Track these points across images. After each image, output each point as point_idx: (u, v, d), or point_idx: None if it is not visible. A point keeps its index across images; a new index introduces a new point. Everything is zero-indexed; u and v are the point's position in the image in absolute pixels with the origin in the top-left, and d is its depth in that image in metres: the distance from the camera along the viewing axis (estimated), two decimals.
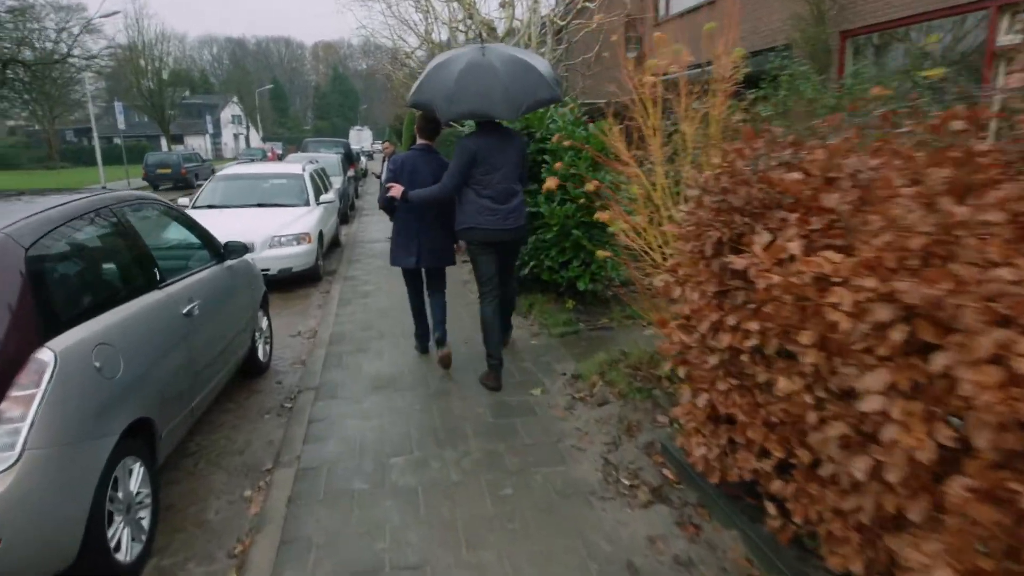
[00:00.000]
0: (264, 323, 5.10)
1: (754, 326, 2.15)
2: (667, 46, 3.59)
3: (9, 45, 20.27)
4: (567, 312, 5.72)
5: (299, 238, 7.67)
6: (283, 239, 7.55)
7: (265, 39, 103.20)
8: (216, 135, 61.46)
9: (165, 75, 45.81)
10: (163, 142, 58.51)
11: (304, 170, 9.26)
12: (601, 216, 3.81)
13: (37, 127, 51.17)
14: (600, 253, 3.65)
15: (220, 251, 4.26)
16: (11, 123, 67.23)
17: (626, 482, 3.14)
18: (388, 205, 4.57)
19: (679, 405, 2.94)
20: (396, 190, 4.34)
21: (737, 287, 2.34)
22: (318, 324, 6.25)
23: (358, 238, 11.36)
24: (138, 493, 2.69)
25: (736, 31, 3.83)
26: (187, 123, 57.33)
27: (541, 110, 6.03)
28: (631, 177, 3.83)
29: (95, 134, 24.23)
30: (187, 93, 65.29)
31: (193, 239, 4.13)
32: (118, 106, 24.20)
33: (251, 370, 4.80)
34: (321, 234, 8.39)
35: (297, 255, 7.59)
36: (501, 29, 11.70)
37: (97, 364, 2.48)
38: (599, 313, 5.74)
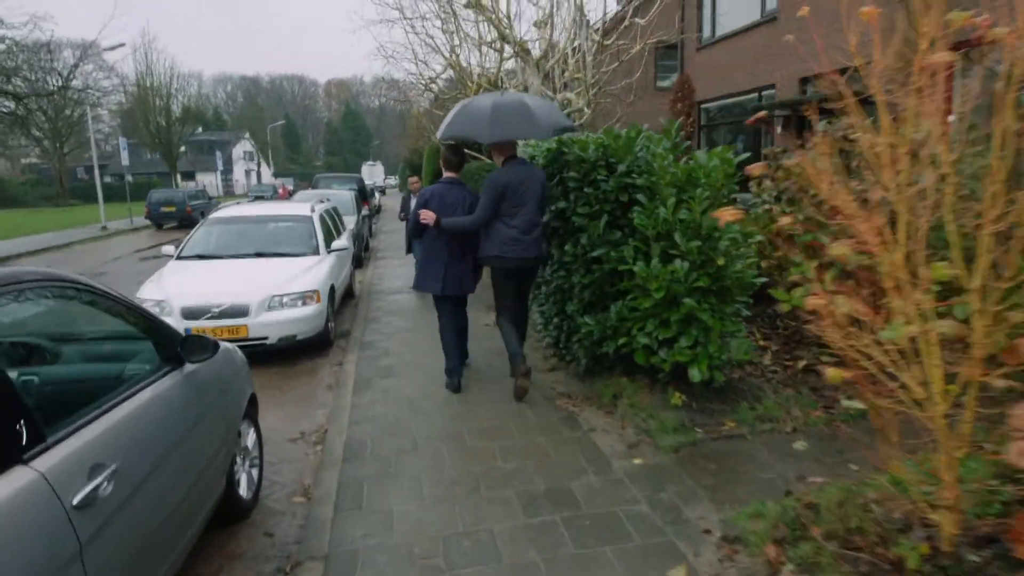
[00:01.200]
0: (251, 439, 3.53)
1: None
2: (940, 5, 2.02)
3: None
4: (673, 410, 4.11)
5: (305, 297, 6.14)
6: (286, 299, 6.03)
7: (279, 77, 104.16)
8: (227, 172, 60.98)
9: (177, 110, 45.20)
10: (175, 179, 58.33)
11: (313, 211, 7.79)
12: (811, 302, 2.23)
13: (46, 164, 50.73)
14: (834, 373, 2.06)
15: (176, 350, 2.71)
16: (25, 161, 67.53)
17: None
18: (416, 231, 4.87)
19: None
20: (429, 216, 4.65)
21: None
22: (327, 419, 4.67)
23: (375, 286, 9.84)
24: None
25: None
26: (198, 160, 56.90)
27: (625, 137, 4.55)
28: (858, 236, 2.25)
29: (96, 171, 23.11)
30: (199, 129, 65.25)
31: (131, 334, 2.59)
32: (122, 142, 23.18)
33: (228, 513, 3.21)
34: (332, 290, 6.87)
35: (303, 319, 6.05)
36: (536, 51, 10.33)
37: None
38: (718, 411, 4.13)
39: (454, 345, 5.00)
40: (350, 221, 12.45)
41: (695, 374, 3.96)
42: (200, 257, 6.88)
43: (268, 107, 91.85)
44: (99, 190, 22.89)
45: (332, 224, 8.63)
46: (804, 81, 11.14)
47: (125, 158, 23.28)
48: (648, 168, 4.39)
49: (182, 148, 58.27)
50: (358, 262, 12.37)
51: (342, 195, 13.67)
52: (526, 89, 10.24)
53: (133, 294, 5.96)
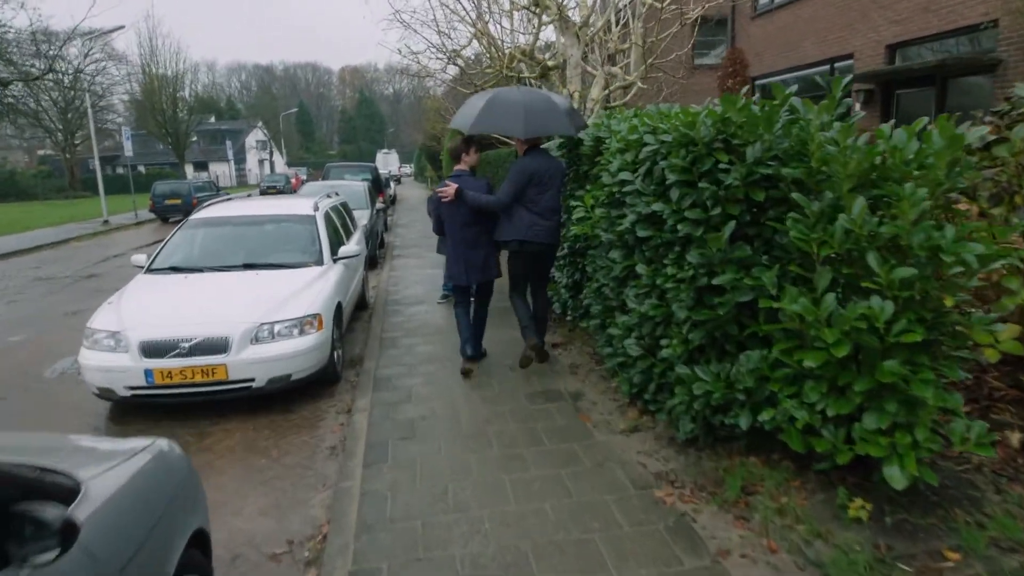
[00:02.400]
0: None
1: None
2: None
3: None
4: (852, 525, 2.67)
5: (304, 323, 4.76)
6: (279, 327, 4.66)
7: (292, 65, 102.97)
8: (240, 161, 59.95)
9: (188, 98, 43.89)
10: (188, 170, 57.30)
11: (317, 209, 6.38)
12: None
13: (59, 156, 49.92)
14: None
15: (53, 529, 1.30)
16: (41, 152, 67.05)
17: None
18: (439, 226, 5.13)
19: None
20: (451, 188, 4.82)
21: None
22: (327, 515, 3.29)
23: (392, 295, 8.46)
24: None
25: None
26: (210, 150, 55.84)
27: (762, 106, 3.08)
28: None
29: (97, 162, 21.89)
30: (212, 119, 64.25)
31: None
32: (124, 131, 21.97)
33: None
34: (339, 309, 5.48)
35: (300, 353, 4.67)
36: (577, 17, 8.81)
37: None
38: (924, 530, 2.68)
39: (467, 326, 5.18)
40: (363, 216, 11.06)
41: (897, 477, 2.50)
42: (175, 270, 5.51)
43: (282, 96, 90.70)
44: (100, 182, 21.64)
45: (341, 223, 7.24)
46: (892, 49, 9.50)
47: (128, 148, 22.05)
48: (801, 149, 2.92)
49: (193, 138, 57.36)
50: (372, 262, 11.01)
51: (354, 186, 12.27)
52: (564, 63, 8.74)
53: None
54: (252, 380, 4.51)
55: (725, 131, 3.15)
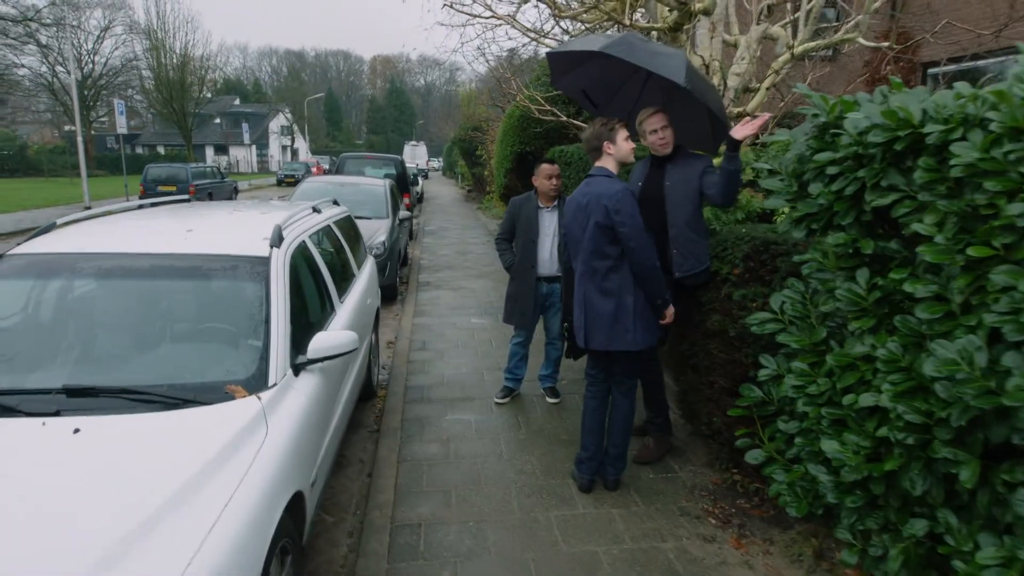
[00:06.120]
0: None
1: None
2: None
3: None
4: None
5: None
6: None
7: (324, 52, 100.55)
8: (263, 147, 57.32)
9: (201, 72, 40.98)
10: (208, 153, 54.74)
11: (279, 243, 3.04)
12: None
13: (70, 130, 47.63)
14: None
15: None
16: (68, 128, 65.36)
17: None
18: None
19: None
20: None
21: None
22: None
23: (417, 372, 5.19)
24: None
25: None
26: (232, 133, 53.23)
27: None
28: None
29: (80, 141, 18.86)
30: (236, 100, 61.78)
31: None
32: (118, 105, 18.97)
33: None
34: (298, 510, 2.20)
35: None
36: None
37: None
38: None
39: (598, 430, 3.27)
40: (380, 229, 7.83)
41: None
42: None
43: (313, 83, 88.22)
44: (82, 164, 18.61)
45: (332, 261, 3.98)
46: None
47: (121, 123, 19.08)
48: None
49: (216, 119, 54.81)
50: (389, 293, 7.78)
51: (372, 187, 9.01)
52: (707, 12, 5.38)
53: None
54: None
55: None
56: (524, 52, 9.59)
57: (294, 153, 60.39)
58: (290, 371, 2.56)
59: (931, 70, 9.83)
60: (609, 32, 4.54)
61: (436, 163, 58.10)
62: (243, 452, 2.08)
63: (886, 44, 5.31)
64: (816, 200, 2.47)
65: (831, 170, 2.41)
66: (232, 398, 2.29)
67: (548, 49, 4.75)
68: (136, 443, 2.05)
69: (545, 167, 4.28)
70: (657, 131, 3.36)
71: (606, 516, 3.10)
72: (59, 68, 41.50)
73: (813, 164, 2.47)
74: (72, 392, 2.24)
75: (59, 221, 3.20)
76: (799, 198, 2.64)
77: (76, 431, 2.05)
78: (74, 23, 37.40)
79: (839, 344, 2.53)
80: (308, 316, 3.05)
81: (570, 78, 3.62)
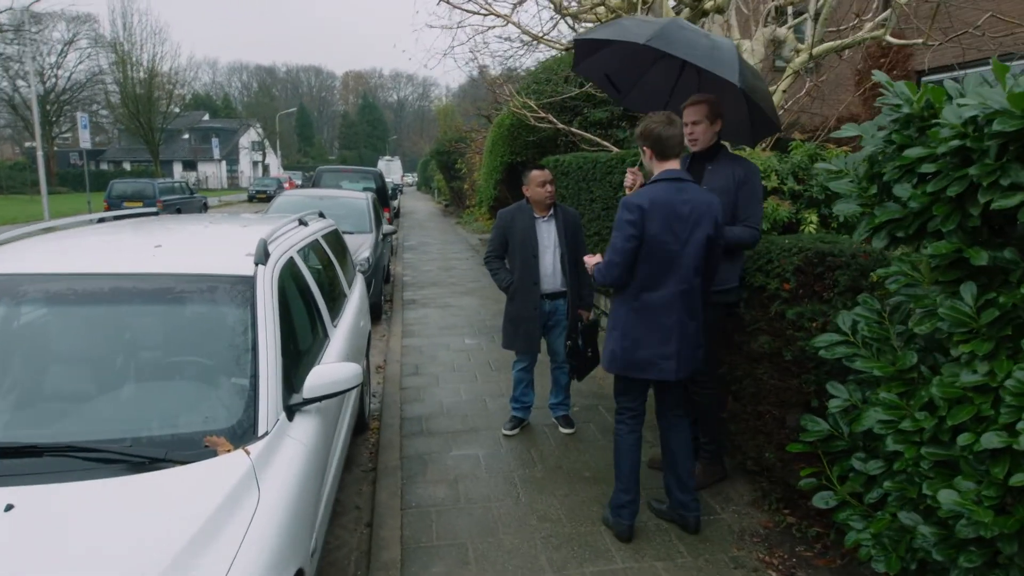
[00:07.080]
0: None
1: None
2: None
3: None
4: None
5: None
6: None
7: (295, 67, 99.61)
8: (233, 163, 56.15)
9: (168, 86, 40.07)
10: (176, 169, 53.39)
11: (263, 261, 2.60)
12: None
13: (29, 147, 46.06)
14: None
15: None
16: (28, 144, 63.31)
17: None
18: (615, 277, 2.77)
19: None
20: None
21: None
22: None
23: (411, 400, 4.73)
24: None
25: None
26: (201, 149, 52.09)
27: None
28: None
29: (40, 157, 17.93)
30: (205, 116, 60.65)
31: None
32: (81, 119, 18.18)
33: None
34: None
35: None
36: None
37: None
38: None
39: (638, 469, 2.88)
40: (364, 244, 7.37)
41: None
42: None
43: (284, 98, 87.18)
44: (43, 180, 17.71)
45: (321, 279, 3.54)
46: None
47: (85, 137, 18.30)
48: None
49: (185, 135, 53.60)
50: (376, 312, 7.29)
51: (353, 200, 8.54)
52: (720, 10, 5.09)
53: None
54: None
55: None
56: (518, 56, 9.26)
57: (265, 169, 59.31)
58: (283, 415, 2.11)
59: (924, 77, 9.75)
60: (647, 17, 4.15)
61: (410, 178, 57.60)
62: (230, 528, 1.62)
63: (920, 41, 5.07)
64: (907, 204, 2.12)
65: (925, 168, 2.06)
66: (214, 454, 1.84)
67: (548, 50, 4.39)
68: (88, 522, 1.58)
69: (536, 174, 3.85)
70: (688, 124, 3.00)
71: (650, 571, 2.68)
72: (20, 82, 40.23)
73: (900, 161, 2.13)
74: (5, 452, 1.76)
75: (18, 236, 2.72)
76: (876, 202, 2.29)
77: (8, 508, 1.57)
78: (35, 33, 36.25)
79: (931, 370, 2.18)
80: (299, 345, 2.60)
81: (593, 62, 3.25)
